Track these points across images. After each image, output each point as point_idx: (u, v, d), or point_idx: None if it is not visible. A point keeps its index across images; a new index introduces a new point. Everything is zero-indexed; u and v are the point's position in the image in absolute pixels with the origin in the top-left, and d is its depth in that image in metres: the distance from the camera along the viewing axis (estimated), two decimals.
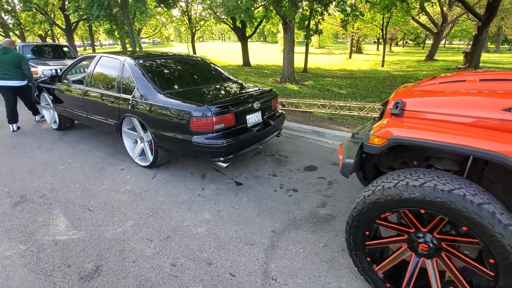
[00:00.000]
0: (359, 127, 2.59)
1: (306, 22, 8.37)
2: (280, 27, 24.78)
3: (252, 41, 17.15)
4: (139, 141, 3.53)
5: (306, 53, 12.74)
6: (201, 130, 2.81)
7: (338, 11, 7.04)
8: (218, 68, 4.29)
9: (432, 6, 17.35)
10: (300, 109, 5.78)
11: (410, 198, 1.43)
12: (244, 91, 3.54)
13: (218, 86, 3.68)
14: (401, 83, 9.68)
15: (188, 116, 2.80)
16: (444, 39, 26.41)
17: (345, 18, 7.06)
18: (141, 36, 21.74)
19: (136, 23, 14.89)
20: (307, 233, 2.34)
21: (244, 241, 2.23)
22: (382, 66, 15.76)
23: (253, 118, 3.25)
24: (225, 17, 13.33)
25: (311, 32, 8.54)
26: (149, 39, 29.35)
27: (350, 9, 6.92)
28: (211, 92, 3.45)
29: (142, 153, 3.56)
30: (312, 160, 3.76)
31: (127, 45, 13.66)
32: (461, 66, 13.71)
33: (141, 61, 3.48)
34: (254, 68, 15.03)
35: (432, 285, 1.54)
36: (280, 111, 3.95)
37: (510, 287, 1.31)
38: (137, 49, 14.05)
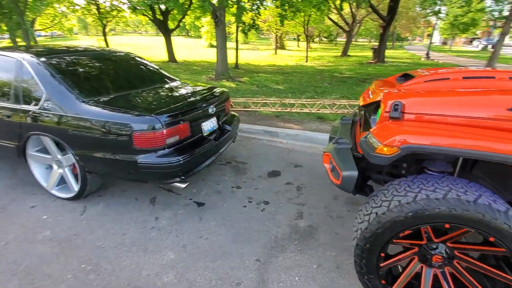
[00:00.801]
0: (332, 128, 2.42)
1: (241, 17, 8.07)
2: (204, 21, 23.85)
3: (173, 35, 15.94)
4: (55, 166, 2.65)
5: (237, 48, 12.47)
6: (149, 147, 2.21)
7: (277, 6, 6.95)
8: (152, 66, 3.60)
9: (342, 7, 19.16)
10: (247, 109, 5.46)
11: (435, 214, 1.26)
12: (193, 94, 3.01)
13: (159, 89, 3.04)
14: (329, 77, 10.32)
15: (129, 131, 2.16)
16: (353, 37, 29.79)
17: (284, 14, 7.03)
18: (35, 28, 17.89)
19: (28, 13, 12.04)
20: (295, 254, 2.05)
21: (227, 282, 1.80)
22: (306, 61, 16.71)
23: (209, 125, 2.78)
24: (143, 8, 11.87)
25: (248, 27, 8.28)
26: (46, 32, 24.40)
27: (288, 5, 6.92)
28: (153, 97, 2.80)
29: (62, 181, 2.69)
30: (272, 164, 3.50)
31: (18, 39, 10.97)
32: (371, 61, 15.57)
33: (45, 59, 2.59)
34: (182, 65, 14.03)
35: None
36: (232, 113, 3.56)
37: None
38: (32, 43, 11.43)
